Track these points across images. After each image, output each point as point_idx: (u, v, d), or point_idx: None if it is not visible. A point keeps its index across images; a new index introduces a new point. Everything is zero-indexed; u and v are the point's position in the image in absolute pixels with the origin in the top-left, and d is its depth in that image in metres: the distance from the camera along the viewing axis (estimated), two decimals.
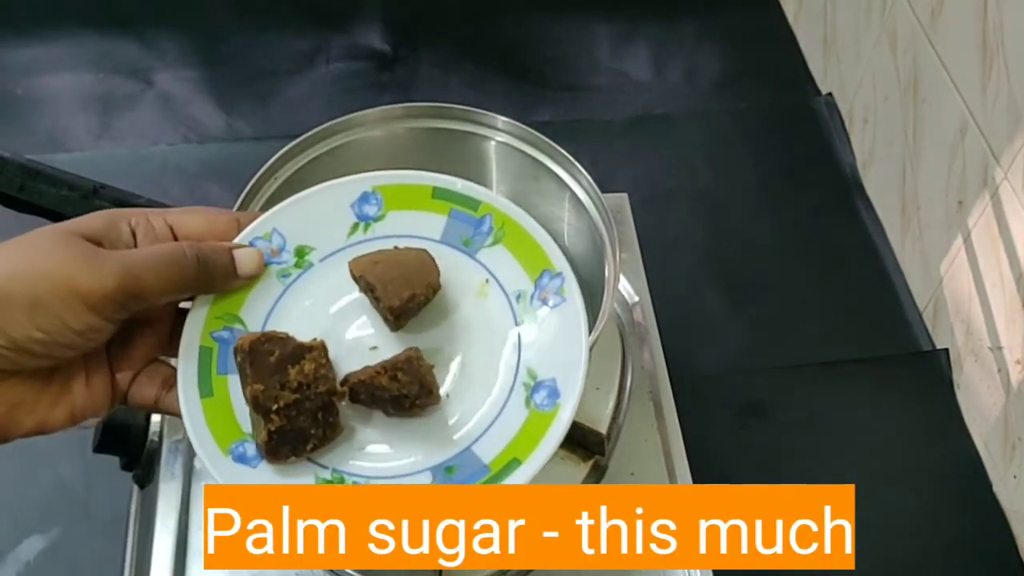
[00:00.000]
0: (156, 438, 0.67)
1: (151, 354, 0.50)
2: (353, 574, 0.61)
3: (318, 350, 0.48)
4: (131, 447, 0.67)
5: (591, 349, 0.51)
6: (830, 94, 1.30)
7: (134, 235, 0.47)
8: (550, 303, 0.52)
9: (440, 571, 0.60)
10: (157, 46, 1.35)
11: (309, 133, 0.67)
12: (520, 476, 0.48)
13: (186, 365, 0.49)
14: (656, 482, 0.66)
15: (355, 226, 0.54)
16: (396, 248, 0.53)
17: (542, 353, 0.51)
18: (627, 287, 0.76)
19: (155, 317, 0.49)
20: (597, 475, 0.66)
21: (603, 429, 0.66)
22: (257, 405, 0.47)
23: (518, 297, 0.53)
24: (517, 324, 0.52)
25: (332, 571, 0.61)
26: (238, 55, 1.35)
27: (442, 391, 0.51)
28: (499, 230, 0.54)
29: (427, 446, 0.50)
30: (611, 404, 0.68)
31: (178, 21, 1.39)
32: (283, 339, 0.48)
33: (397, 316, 0.50)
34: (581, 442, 0.66)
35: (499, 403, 0.51)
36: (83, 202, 0.59)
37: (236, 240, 0.51)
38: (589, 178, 0.67)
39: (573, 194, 0.68)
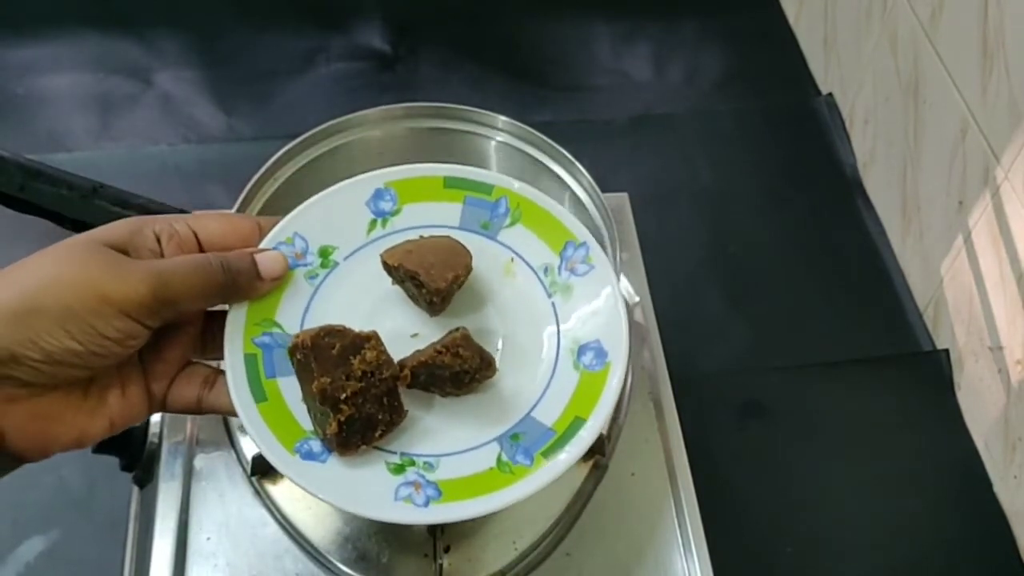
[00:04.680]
0: (156, 439, 0.67)
1: (184, 357, 0.50)
2: (345, 569, 0.61)
3: (375, 339, 0.49)
4: (131, 448, 0.67)
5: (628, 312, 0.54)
6: (831, 94, 1.30)
7: (158, 240, 0.47)
8: (578, 272, 0.54)
9: (440, 569, 0.61)
10: (157, 46, 1.35)
11: (309, 133, 0.67)
12: (586, 435, 0.49)
13: (235, 374, 0.49)
14: (657, 482, 0.66)
15: (373, 222, 0.55)
16: (422, 237, 0.54)
17: (581, 320, 0.53)
18: (627, 287, 0.76)
19: (183, 321, 0.50)
20: (597, 475, 0.66)
21: (603, 429, 0.66)
22: (325, 397, 0.47)
23: (545, 271, 0.55)
24: (550, 296, 0.54)
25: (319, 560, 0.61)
26: (238, 55, 1.35)
27: None
28: (515, 210, 0.55)
29: (488, 419, 0.51)
30: None
31: (178, 21, 1.39)
32: (341, 331, 0.49)
33: (443, 299, 0.51)
34: None
35: (548, 370, 0.52)
36: (82, 202, 0.59)
37: (259, 247, 0.51)
38: (589, 178, 0.67)
39: (573, 194, 0.68)
